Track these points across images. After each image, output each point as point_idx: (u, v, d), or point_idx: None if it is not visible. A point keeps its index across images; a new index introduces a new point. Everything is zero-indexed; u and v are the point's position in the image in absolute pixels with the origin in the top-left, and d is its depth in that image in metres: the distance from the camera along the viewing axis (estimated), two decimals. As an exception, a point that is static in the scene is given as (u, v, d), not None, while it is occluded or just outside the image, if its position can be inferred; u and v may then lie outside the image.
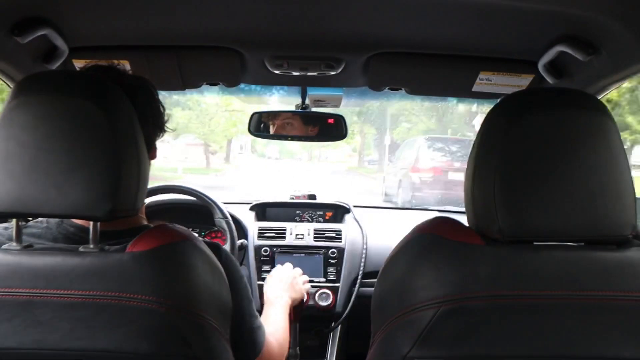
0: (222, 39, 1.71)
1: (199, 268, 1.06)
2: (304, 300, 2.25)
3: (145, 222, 1.26)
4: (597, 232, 0.99)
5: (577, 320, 0.96)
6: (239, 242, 2.39)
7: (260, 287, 2.41)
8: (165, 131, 1.35)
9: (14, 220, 1.04)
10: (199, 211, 2.47)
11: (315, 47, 1.74)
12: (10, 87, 1.60)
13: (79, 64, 1.77)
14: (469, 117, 20.02)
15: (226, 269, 1.17)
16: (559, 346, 0.95)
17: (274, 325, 1.64)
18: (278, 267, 2.06)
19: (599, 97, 1.67)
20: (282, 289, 1.89)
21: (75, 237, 1.14)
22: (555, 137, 0.98)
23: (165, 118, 1.35)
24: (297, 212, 2.86)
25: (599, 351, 0.95)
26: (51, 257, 1.00)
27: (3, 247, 1.03)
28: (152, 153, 1.30)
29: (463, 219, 1.10)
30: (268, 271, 2.45)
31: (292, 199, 2.95)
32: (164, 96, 1.46)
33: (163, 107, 1.34)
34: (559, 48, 1.52)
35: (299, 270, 2.05)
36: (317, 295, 2.40)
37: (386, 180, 15.28)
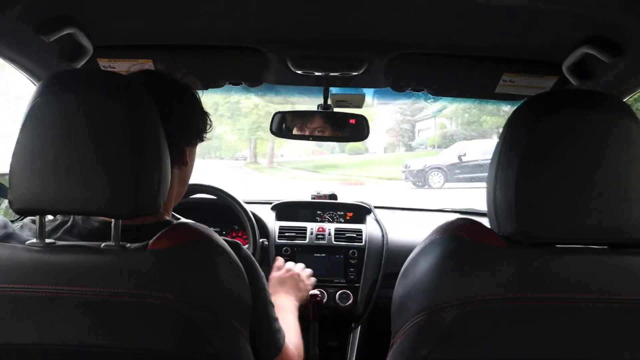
0: (246, 39, 1.72)
1: (220, 266, 1.07)
2: (324, 300, 2.25)
3: (167, 218, 1.27)
4: (621, 236, 0.98)
5: (600, 324, 0.95)
6: (259, 241, 2.40)
7: None
8: (202, 139, 1.37)
9: (38, 217, 1.05)
10: (221, 210, 2.48)
11: (338, 47, 1.74)
12: (36, 86, 1.62)
13: (103, 62, 1.78)
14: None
15: (246, 268, 1.17)
16: (581, 350, 0.94)
17: (288, 330, 1.64)
18: (275, 267, 2.08)
19: (624, 99, 1.65)
20: (286, 293, 1.91)
21: (100, 232, 1.16)
22: (579, 139, 0.97)
23: (207, 126, 1.38)
24: (318, 212, 2.86)
25: (622, 355, 0.94)
26: (73, 255, 1.01)
27: (26, 243, 1.04)
28: (182, 158, 1.31)
29: (485, 221, 1.09)
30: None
31: (314, 198, 2.95)
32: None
33: (204, 113, 1.36)
34: (584, 50, 1.50)
35: (300, 266, 2.08)
36: (337, 295, 2.40)
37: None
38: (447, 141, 19.74)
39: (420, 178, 15.70)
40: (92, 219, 1.19)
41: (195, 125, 1.33)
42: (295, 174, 19.34)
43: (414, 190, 15.12)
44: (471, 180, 14.45)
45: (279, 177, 18.64)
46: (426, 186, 15.17)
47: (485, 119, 19.53)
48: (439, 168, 15.66)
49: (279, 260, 2.13)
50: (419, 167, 16.02)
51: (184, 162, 1.32)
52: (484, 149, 14.96)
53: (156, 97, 1.14)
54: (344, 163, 21.25)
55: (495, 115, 18.23)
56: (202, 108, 1.37)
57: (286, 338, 1.43)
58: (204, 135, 1.38)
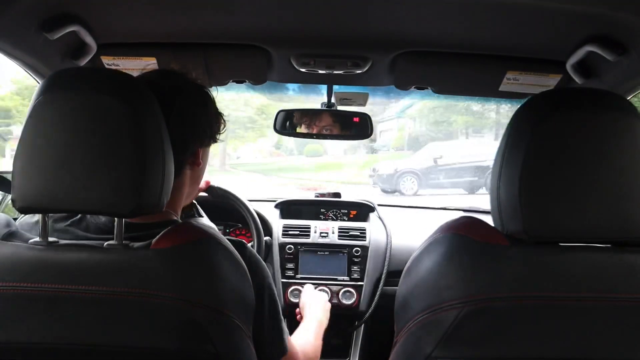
0: (249, 37, 1.72)
1: (222, 265, 1.07)
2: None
3: (174, 217, 1.27)
4: (625, 234, 0.98)
5: (604, 323, 0.95)
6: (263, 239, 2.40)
7: (284, 284, 2.43)
8: (215, 140, 1.36)
9: (40, 215, 1.05)
10: (225, 208, 2.48)
11: (342, 45, 1.74)
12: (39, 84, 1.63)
13: (107, 60, 1.79)
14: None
15: (250, 267, 1.17)
16: (585, 349, 0.94)
17: (306, 338, 1.64)
18: (309, 287, 2.16)
19: (628, 98, 1.65)
20: (316, 305, 1.93)
21: (106, 228, 1.16)
22: (583, 137, 0.97)
23: (221, 127, 1.37)
24: (322, 210, 2.86)
25: (626, 354, 0.94)
26: (76, 253, 1.01)
27: (29, 242, 1.05)
28: (195, 159, 1.31)
29: (488, 219, 1.09)
30: (292, 269, 2.46)
31: (317, 197, 2.95)
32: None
33: (218, 114, 1.36)
34: (588, 48, 1.50)
35: (325, 295, 2.11)
36: (340, 293, 2.40)
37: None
38: (412, 142, 17.73)
39: (390, 183, 13.37)
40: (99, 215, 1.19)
41: (208, 127, 1.32)
42: (249, 178, 16.64)
43: (383, 197, 12.75)
44: (448, 186, 12.57)
45: (229, 181, 14.22)
46: (397, 192, 13.10)
47: (455, 119, 17.24)
48: (412, 172, 13.36)
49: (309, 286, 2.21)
50: (389, 171, 13.69)
51: (196, 163, 1.32)
52: (463, 151, 13.47)
53: (170, 98, 1.14)
54: (302, 166, 18.81)
55: (466, 115, 16.56)
56: (216, 109, 1.36)
57: (299, 345, 1.43)
58: (217, 137, 1.37)
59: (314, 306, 1.92)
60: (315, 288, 2.36)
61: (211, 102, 1.35)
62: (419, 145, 16.13)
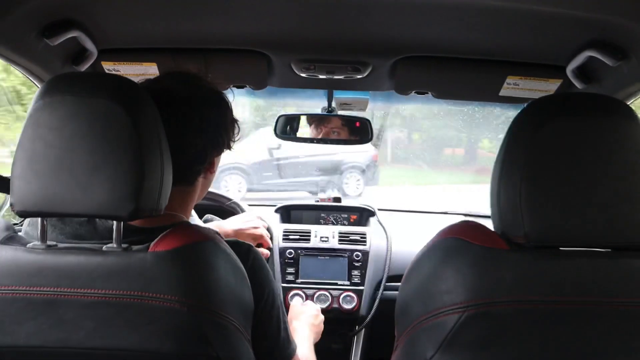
0: (250, 42, 1.72)
1: (221, 268, 1.07)
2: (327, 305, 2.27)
3: (185, 220, 1.26)
4: (625, 239, 0.98)
5: (603, 327, 0.95)
6: None
7: (284, 289, 2.42)
8: (230, 148, 1.35)
9: (39, 219, 1.06)
10: (224, 213, 2.48)
11: (342, 50, 1.74)
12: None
13: (108, 66, 1.79)
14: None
15: (252, 273, 1.16)
16: (584, 353, 0.94)
17: (304, 354, 1.56)
18: (298, 300, 2.21)
19: (628, 103, 1.65)
20: (303, 321, 1.84)
21: (107, 233, 1.16)
22: (583, 142, 0.97)
23: (235, 135, 1.35)
24: (322, 214, 2.86)
25: (625, 359, 0.94)
26: (74, 257, 1.01)
27: (28, 246, 1.05)
28: (211, 167, 1.31)
29: (489, 223, 1.09)
30: (293, 273, 2.46)
31: (317, 201, 2.95)
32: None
33: (234, 122, 1.35)
34: (588, 53, 1.51)
35: (314, 309, 2.00)
36: (341, 298, 2.39)
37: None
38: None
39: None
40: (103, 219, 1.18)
41: (226, 135, 1.32)
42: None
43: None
44: (289, 186, 9.20)
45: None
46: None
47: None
48: (237, 169, 9.31)
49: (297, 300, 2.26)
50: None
51: (210, 171, 1.32)
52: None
53: (189, 108, 1.17)
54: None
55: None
56: (232, 116, 1.35)
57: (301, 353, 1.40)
58: (232, 144, 1.36)
59: (300, 326, 1.81)
60: (316, 292, 2.36)
61: (229, 109, 1.34)
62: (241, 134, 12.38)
